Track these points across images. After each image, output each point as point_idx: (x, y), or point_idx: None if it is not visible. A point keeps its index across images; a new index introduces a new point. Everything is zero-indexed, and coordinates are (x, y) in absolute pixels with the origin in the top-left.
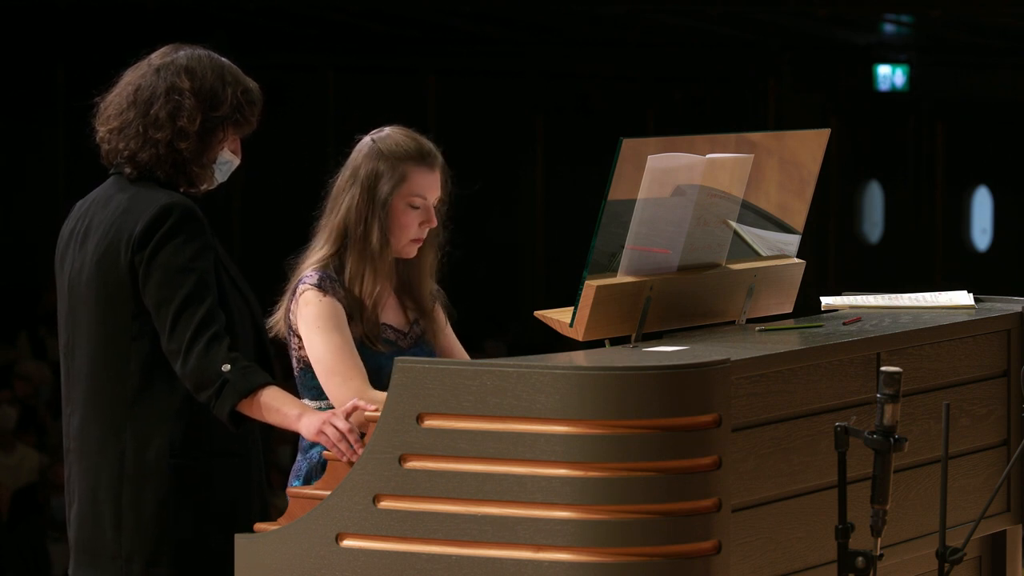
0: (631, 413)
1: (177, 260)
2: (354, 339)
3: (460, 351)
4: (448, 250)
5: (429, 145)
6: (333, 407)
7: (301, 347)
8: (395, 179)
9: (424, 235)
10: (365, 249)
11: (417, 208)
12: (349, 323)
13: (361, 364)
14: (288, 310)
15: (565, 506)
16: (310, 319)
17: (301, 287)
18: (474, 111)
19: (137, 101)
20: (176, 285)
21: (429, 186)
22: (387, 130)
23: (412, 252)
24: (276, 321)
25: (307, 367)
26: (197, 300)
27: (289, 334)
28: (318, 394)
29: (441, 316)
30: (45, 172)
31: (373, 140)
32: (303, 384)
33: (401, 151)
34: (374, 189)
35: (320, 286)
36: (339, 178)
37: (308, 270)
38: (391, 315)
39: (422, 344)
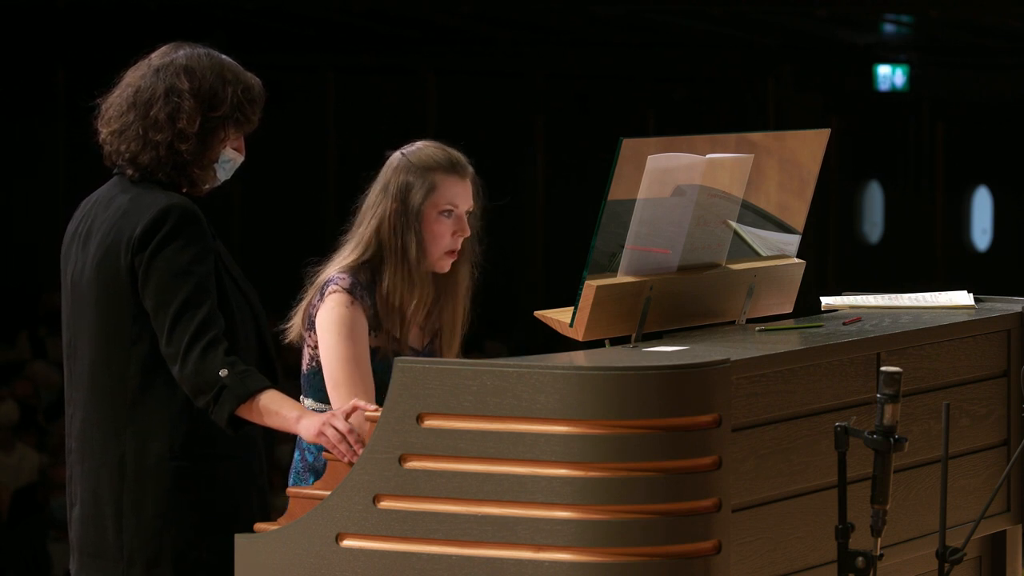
0: (631, 413)
1: (176, 263)
2: (373, 349)
3: None
4: (483, 265)
5: (459, 156)
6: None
7: (317, 345)
8: (425, 188)
9: (458, 246)
10: (403, 261)
11: (449, 216)
12: (372, 334)
13: (370, 378)
14: (310, 304)
15: (565, 506)
16: (331, 323)
17: (332, 287)
18: (474, 111)
19: (137, 103)
20: (174, 289)
21: (460, 195)
22: (418, 144)
23: (446, 266)
24: (292, 326)
25: (318, 368)
26: (195, 304)
27: (307, 329)
28: (323, 396)
29: (458, 339)
30: (45, 172)
31: (403, 154)
32: (309, 384)
33: (431, 161)
34: (406, 200)
35: (351, 291)
36: (369, 193)
37: (338, 271)
38: (412, 333)
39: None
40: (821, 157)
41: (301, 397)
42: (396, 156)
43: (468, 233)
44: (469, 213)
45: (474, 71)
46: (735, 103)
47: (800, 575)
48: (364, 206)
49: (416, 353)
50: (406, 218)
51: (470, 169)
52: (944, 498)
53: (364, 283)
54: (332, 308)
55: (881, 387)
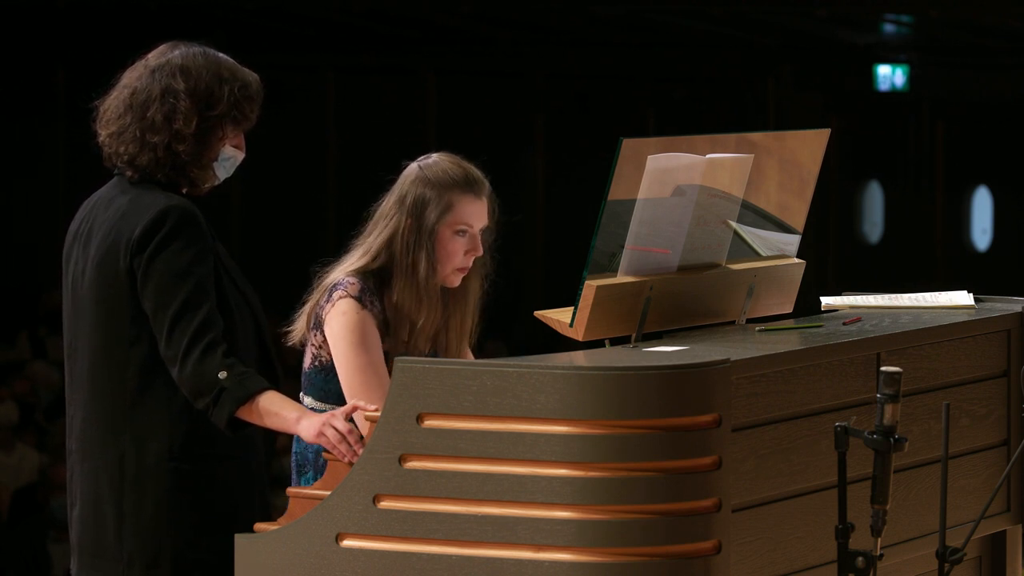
0: (631, 413)
1: (175, 265)
2: (384, 352)
3: None
4: (493, 280)
5: (477, 173)
6: (334, 408)
7: (322, 345)
8: (441, 207)
9: (469, 264)
10: (412, 278)
11: (463, 236)
12: (382, 338)
13: (385, 382)
14: (316, 305)
15: (565, 506)
16: (343, 331)
17: (339, 292)
18: (474, 111)
19: (133, 104)
20: (174, 290)
21: (476, 214)
22: (434, 157)
23: (456, 281)
24: (296, 330)
25: (320, 367)
26: (194, 306)
27: (312, 329)
28: (323, 395)
29: (466, 345)
30: (45, 172)
31: (420, 167)
32: (310, 382)
33: (448, 179)
34: (420, 217)
35: (360, 299)
36: (384, 203)
37: (347, 276)
38: (421, 339)
39: None
40: (821, 157)
41: (301, 395)
42: (413, 168)
43: (480, 253)
44: (483, 230)
45: (474, 71)
46: (735, 103)
47: (800, 575)
48: (377, 215)
49: (422, 355)
50: (419, 235)
51: (487, 186)
52: (944, 498)
53: (373, 288)
54: (343, 314)
55: (881, 387)
